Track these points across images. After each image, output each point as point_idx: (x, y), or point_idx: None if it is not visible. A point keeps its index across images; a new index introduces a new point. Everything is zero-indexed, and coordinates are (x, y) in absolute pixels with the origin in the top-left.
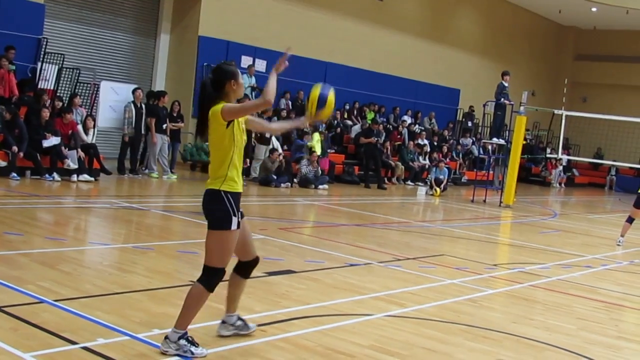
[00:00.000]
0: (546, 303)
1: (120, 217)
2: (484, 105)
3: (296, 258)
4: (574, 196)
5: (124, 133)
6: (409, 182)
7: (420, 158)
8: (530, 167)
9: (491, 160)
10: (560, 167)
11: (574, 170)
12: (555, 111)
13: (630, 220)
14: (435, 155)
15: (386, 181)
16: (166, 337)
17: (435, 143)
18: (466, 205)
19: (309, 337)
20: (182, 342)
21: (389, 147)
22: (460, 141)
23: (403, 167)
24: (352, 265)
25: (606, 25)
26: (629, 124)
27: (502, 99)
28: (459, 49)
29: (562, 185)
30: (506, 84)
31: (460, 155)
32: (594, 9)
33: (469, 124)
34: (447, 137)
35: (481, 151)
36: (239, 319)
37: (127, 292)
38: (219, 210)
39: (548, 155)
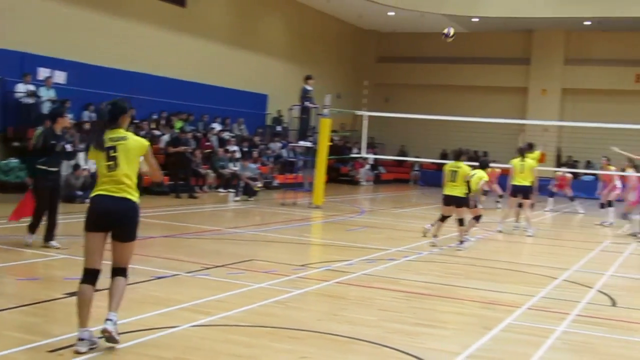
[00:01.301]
0: (350, 298)
1: None
2: (290, 110)
3: (100, 275)
4: (381, 192)
5: None
6: (220, 190)
7: (231, 165)
8: (339, 167)
9: (300, 163)
10: (368, 166)
11: (381, 167)
12: (358, 112)
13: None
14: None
15: (197, 190)
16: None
17: (246, 149)
18: (277, 209)
19: (110, 357)
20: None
21: (199, 156)
22: (270, 146)
23: (214, 174)
24: (159, 277)
25: (404, 28)
26: (429, 121)
27: (307, 103)
28: (266, 54)
29: (370, 182)
30: (310, 88)
31: (271, 160)
32: (391, 13)
33: (278, 128)
34: (257, 142)
35: (290, 154)
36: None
37: None
38: (138, 221)
39: (354, 155)
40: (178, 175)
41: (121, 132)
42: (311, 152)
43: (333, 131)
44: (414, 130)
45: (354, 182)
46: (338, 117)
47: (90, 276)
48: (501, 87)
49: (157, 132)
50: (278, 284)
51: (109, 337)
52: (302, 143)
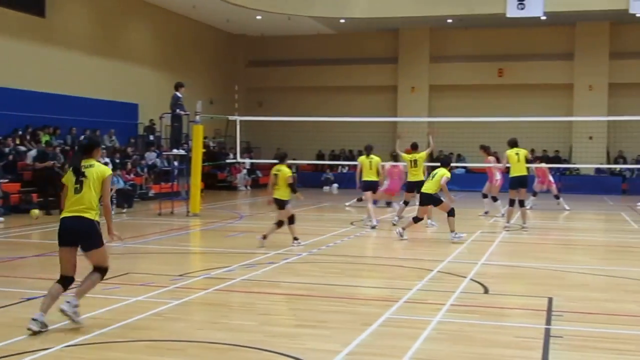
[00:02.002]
0: (230, 305)
1: None
2: (161, 118)
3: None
4: (260, 197)
5: None
6: None
7: None
8: (216, 173)
9: (175, 171)
10: (244, 171)
11: (258, 172)
12: (230, 117)
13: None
14: (119, 172)
15: None
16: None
17: (118, 160)
18: (154, 219)
19: None
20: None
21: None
22: (145, 155)
23: None
24: (29, 299)
25: (273, 31)
26: (304, 123)
27: (178, 110)
28: (133, 63)
29: (248, 187)
30: (180, 95)
31: (145, 170)
32: (258, 17)
33: (151, 137)
34: (130, 153)
35: (165, 163)
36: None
37: None
38: (99, 234)
39: (229, 161)
40: (47, 191)
41: (92, 161)
42: (186, 160)
43: (205, 137)
44: (289, 133)
45: (231, 187)
46: (212, 123)
47: (63, 280)
48: (372, 86)
49: (22, 148)
50: (156, 295)
51: (64, 314)
52: (175, 151)
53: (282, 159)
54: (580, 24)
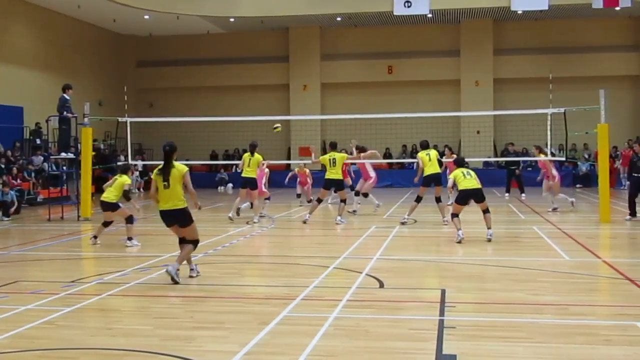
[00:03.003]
0: (125, 309)
1: None
2: (47, 121)
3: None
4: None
5: None
6: None
7: None
8: (107, 176)
9: (64, 175)
10: (137, 173)
11: (151, 173)
12: (120, 119)
13: None
14: (5, 178)
15: None
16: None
17: (3, 165)
18: (43, 226)
19: None
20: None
21: None
22: (32, 160)
23: None
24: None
25: (161, 31)
26: (197, 123)
27: (66, 112)
28: (17, 65)
29: (141, 190)
30: (68, 97)
31: (33, 175)
32: (146, 17)
33: (38, 141)
34: (16, 157)
35: (53, 167)
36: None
37: None
38: (189, 215)
39: (120, 163)
40: None
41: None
42: (75, 164)
43: (95, 140)
44: (182, 134)
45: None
46: (102, 125)
47: (180, 241)
48: (265, 85)
49: None
50: (47, 303)
51: (168, 274)
52: (64, 155)
53: (124, 170)
54: (465, 21)
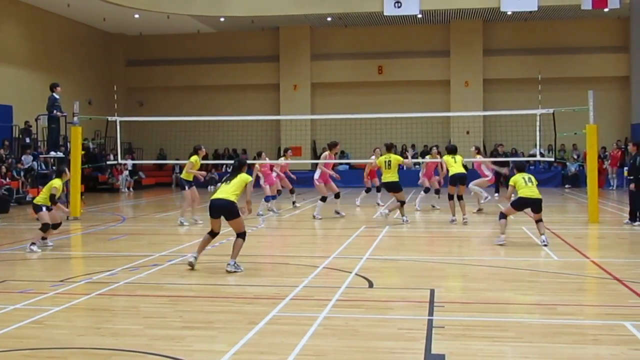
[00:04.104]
0: (114, 309)
1: None
2: (37, 120)
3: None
4: (143, 198)
5: None
6: None
7: None
8: (97, 175)
9: (53, 174)
10: (127, 172)
11: (140, 173)
12: (110, 118)
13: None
14: None
15: None
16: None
17: None
18: (32, 224)
19: None
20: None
21: None
22: (22, 159)
23: None
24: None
25: (152, 30)
26: (187, 122)
27: (55, 111)
28: (6, 64)
29: (131, 189)
30: (57, 96)
31: (22, 174)
32: (136, 16)
33: (27, 140)
34: (5, 156)
35: (43, 166)
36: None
37: None
38: (237, 209)
39: (110, 162)
40: None
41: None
42: (64, 163)
43: (85, 139)
44: (171, 133)
45: (113, 189)
46: (91, 124)
47: (211, 233)
48: (255, 84)
49: None
50: (35, 302)
51: (229, 272)
52: (53, 154)
53: (58, 174)
54: (454, 22)
